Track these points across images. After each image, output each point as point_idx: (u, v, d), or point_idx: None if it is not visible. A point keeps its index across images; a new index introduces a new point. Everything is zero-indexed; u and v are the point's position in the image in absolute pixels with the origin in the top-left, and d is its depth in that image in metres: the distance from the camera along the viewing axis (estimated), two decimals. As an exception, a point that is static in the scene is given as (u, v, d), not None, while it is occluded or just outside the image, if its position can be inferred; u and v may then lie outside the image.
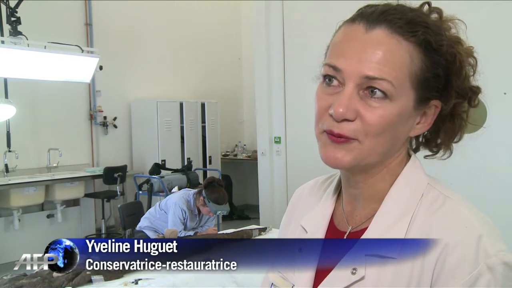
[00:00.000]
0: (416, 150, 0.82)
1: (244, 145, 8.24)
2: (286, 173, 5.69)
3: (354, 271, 0.72)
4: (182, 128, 6.93)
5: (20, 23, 4.48)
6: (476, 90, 0.76)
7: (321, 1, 5.09)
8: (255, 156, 6.54)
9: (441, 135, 0.78)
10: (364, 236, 0.75)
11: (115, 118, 6.71)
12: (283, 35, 5.61)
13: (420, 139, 0.81)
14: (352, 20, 0.73)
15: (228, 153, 8.18)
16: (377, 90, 0.69)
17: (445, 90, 0.73)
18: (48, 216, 5.86)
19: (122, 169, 6.04)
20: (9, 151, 5.56)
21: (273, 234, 3.48)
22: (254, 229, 3.52)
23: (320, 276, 0.78)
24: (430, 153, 0.81)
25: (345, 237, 0.79)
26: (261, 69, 5.75)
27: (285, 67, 5.61)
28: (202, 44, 7.82)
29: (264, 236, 3.45)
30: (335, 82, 0.71)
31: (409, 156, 0.79)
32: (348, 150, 0.71)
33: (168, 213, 3.68)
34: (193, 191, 3.79)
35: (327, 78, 0.73)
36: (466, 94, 0.75)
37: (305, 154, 5.27)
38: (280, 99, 5.65)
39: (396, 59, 0.69)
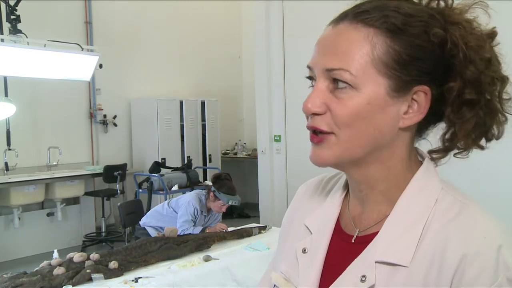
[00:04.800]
0: (449, 149, 0.75)
1: (244, 143, 8.24)
2: (286, 172, 5.69)
3: (363, 278, 0.69)
4: (182, 127, 6.93)
5: (19, 21, 4.47)
6: (489, 73, 0.68)
7: (321, 1, 5.09)
8: (255, 154, 6.54)
9: (457, 130, 0.72)
10: (374, 242, 0.71)
11: (115, 117, 6.71)
12: (283, 34, 5.61)
13: (446, 136, 0.75)
14: (328, 24, 0.74)
15: (228, 151, 8.19)
16: (340, 81, 0.68)
17: (442, 73, 0.69)
18: (48, 215, 5.87)
19: (122, 167, 6.04)
20: (9, 149, 5.57)
21: (273, 232, 3.49)
22: (254, 227, 3.52)
23: (325, 280, 0.75)
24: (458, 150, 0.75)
25: (352, 241, 0.75)
26: (261, 68, 5.75)
27: (285, 65, 5.61)
28: (202, 42, 7.82)
29: (264, 234, 3.45)
30: (314, 82, 0.73)
31: (422, 158, 0.76)
32: (327, 146, 0.70)
33: (180, 210, 3.71)
34: (204, 191, 3.83)
35: (310, 79, 0.74)
36: (475, 79, 0.68)
37: (305, 152, 5.24)
38: (280, 97, 5.65)
39: (354, 47, 0.68)
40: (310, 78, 0.74)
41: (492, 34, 0.71)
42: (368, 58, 0.68)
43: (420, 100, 0.70)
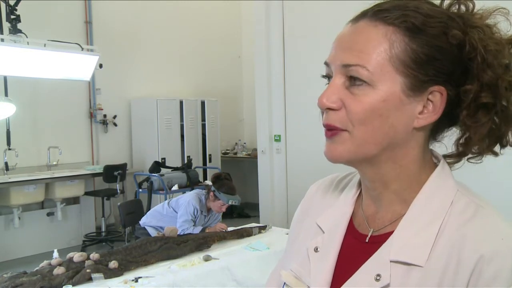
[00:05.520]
0: (463, 154, 0.75)
1: (244, 143, 8.24)
2: (286, 171, 5.69)
3: (378, 277, 0.69)
4: (182, 126, 6.93)
5: (19, 21, 4.47)
6: (507, 78, 0.69)
7: (321, 1, 5.09)
8: (255, 154, 6.55)
9: (471, 134, 0.72)
10: (389, 241, 0.71)
11: (115, 116, 6.71)
12: (283, 34, 5.61)
13: (460, 141, 0.75)
14: (348, 22, 0.75)
15: (228, 151, 8.19)
16: (356, 77, 0.68)
17: (459, 75, 0.69)
18: (48, 214, 5.87)
19: (122, 167, 6.04)
20: (9, 149, 5.57)
21: (273, 232, 3.49)
22: (254, 227, 3.52)
23: (337, 279, 0.75)
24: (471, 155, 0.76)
25: (366, 240, 0.75)
26: (261, 67, 5.75)
27: (285, 65, 5.61)
28: (202, 42, 7.82)
29: (264, 234, 3.45)
30: (330, 80, 0.73)
31: (437, 160, 0.76)
32: (340, 142, 0.70)
33: (180, 210, 3.71)
34: (204, 191, 3.83)
35: (327, 78, 0.74)
36: (492, 83, 0.68)
37: (305, 152, 5.28)
38: (280, 97, 5.65)
39: (372, 44, 0.68)
40: (327, 75, 0.74)
41: (502, 40, 0.70)
42: (386, 55, 0.68)
43: (436, 100, 0.70)
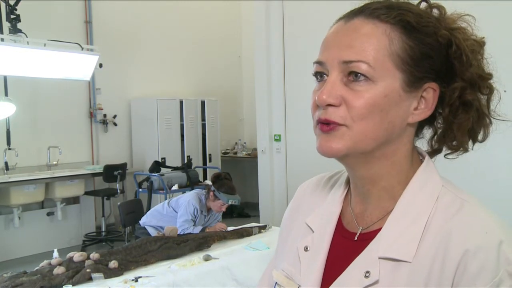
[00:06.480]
0: (438, 151, 0.80)
1: (244, 143, 8.24)
2: (286, 171, 5.69)
3: (367, 274, 0.70)
4: (182, 126, 6.93)
5: (19, 21, 4.48)
6: (485, 76, 0.74)
7: (321, 1, 5.09)
8: (255, 154, 6.55)
9: (455, 130, 0.75)
10: (377, 238, 0.72)
11: (115, 116, 6.71)
12: (283, 34, 5.61)
13: (436, 137, 0.79)
14: (336, 21, 0.76)
15: (228, 151, 8.19)
16: (358, 73, 0.69)
17: (444, 73, 0.72)
18: (48, 214, 5.87)
19: (122, 167, 6.04)
20: (9, 149, 5.57)
21: (273, 232, 3.49)
22: (254, 227, 3.52)
23: (328, 277, 0.76)
24: (449, 151, 0.79)
25: (355, 239, 0.76)
26: (261, 67, 5.75)
27: (285, 65, 5.61)
28: (202, 42, 7.82)
29: (264, 233, 3.45)
30: (324, 77, 0.73)
31: (422, 157, 0.78)
32: (338, 137, 0.71)
33: (180, 209, 3.71)
34: (204, 191, 3.83)
35: (318, 75, 0.75)
36: (473, 81, 0.72)
37: (305, 151, 5.28)
38: (280, 96, 5.65)
39: (372, 40, 0.70)
40: (319, 74, 0.74)
41: (482, 43, 0.75)
42: (386, 52, 0.70)
43: (429, 97, 0.73)
